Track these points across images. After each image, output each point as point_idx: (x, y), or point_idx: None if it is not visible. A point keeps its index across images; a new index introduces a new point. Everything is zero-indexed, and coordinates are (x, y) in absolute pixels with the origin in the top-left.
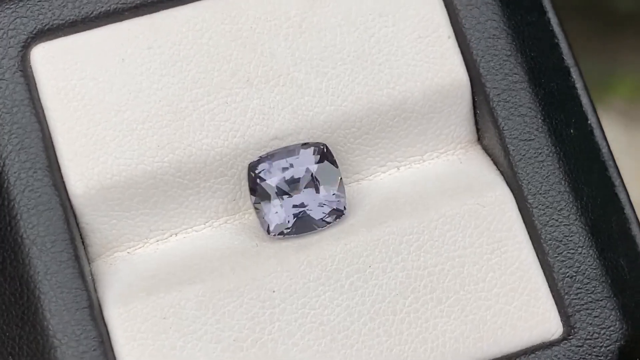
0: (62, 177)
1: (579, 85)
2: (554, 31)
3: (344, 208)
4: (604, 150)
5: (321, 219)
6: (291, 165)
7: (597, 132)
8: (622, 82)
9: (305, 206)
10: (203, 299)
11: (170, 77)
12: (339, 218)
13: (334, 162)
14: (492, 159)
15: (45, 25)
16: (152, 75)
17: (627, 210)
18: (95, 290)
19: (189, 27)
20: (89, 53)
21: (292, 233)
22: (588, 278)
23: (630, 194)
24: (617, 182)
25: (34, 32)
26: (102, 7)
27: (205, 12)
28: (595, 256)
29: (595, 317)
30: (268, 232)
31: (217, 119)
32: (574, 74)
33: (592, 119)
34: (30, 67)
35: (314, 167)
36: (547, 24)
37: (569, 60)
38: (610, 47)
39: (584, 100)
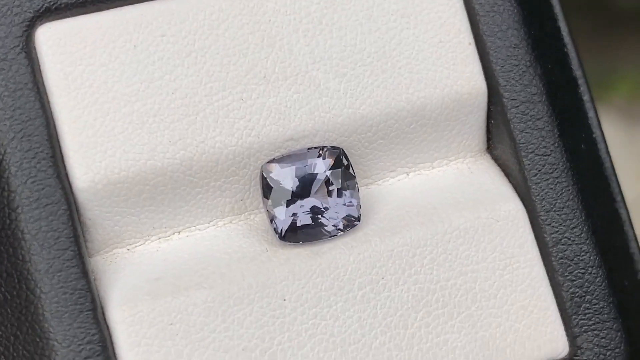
0: (66, 169)
1: (585, 97)
2: (564, 41)
3: (358, 216)
4: (607, 164)
5: (334, 225)
6: (306, 169)
7: (601, 145)
8: (623, 80)
9: (318, 212)
10: (212, 305)
11: (184, 68)
12: (353, 226)
13: (349, 168)
14: (503, 170)
15: (52, 4)
16: (165, 65)
17: (627, 228)
18: (97, 289)
19: (205, 15)
20: (98, 37)
21: (304, 239)
22: (597, 299)
23: (629, 192)
24: (618, 199)
25: (40, 11)
26: None
27: (222, 1)
28: (604, 276)
29: (602, 338)
30: (280, 237)
31: (232, 115)
32: (582, 86)
33: (596, 132)
34: (35, 49)
35: (328, 172)
36: (558, 35)
37: (577, 71)
38: (611, 45)
39: (591, 114)
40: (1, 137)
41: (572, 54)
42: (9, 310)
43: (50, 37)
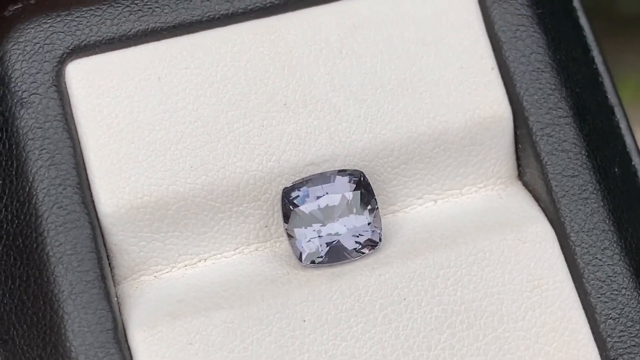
0: (91, 195)
1: (622, 125)
2: (597, 69)
3: (379, 239)
4: None
5: (355, 249)
6: (326, 192)
7: None
8: (625, 84)
9: (339, 235)
10: (231, 326)
11: (206, 98)
12: (374, 249)
13: (370, 191)
14: (533, 195)
15: (82, 42)
16: (188, 95)
17: None
18: (120, 312)
19: (227, 48)
20: (124, 71)
21: (325, 262)
22: (632, 321)
23: None
24: None
25: (70, 48)
26: (141, 25)
27: (244, 34)
28: (639, 298)
29: None
30: (300, 260)
31: (252, 142)
32: (618, 114)
33: (635, 160)
34: (65, 83)
35: (349, 195)
36: (592, 62)
37: (613, 99)
38: (614, 49)
39: (628, 140)
40: (30, 165)
41: (607, 82)
42: (35, 331)
43: (80, 73)
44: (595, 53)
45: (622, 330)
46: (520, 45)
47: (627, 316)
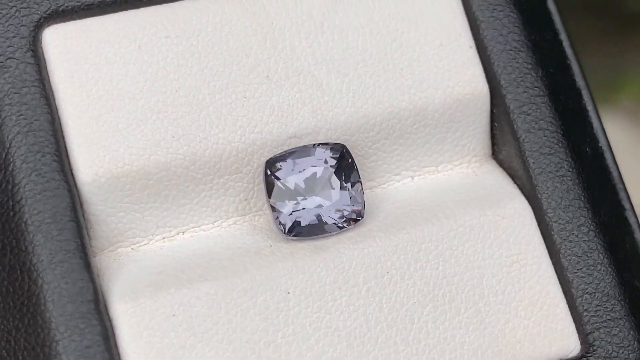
0: (70, 163)
1: (590, 107)
2: (565, 53)
3: (362, 212)
4: (614, 174)
5: (337, 223)
6: (309, 165)
7: (607, 154)
8: (630, 82)
9: (321, 208)
10: (215, 297)
11: (187, 67)
12: (356, 222)
13: (352, 164)
14: (508, 173)
15: (59, 6)
16: (169, 64)
17: (638, 235)
18: (100, 284)
19: (208, 19)
20: (103, 37)
21: (307, 235)
22: (607, 296)
23: (636, 195)
24: (627, 206)
25: (47, 12)
26: None
27: (225, 4)
28: (614, 274)
29: (614, 335)
30: (283, 232)
31: (235, 113)
32: (585, 97)
33: (602, 142)
34: (42, 48)
35: (331, 168)
36: (560, 45)
37: (580, 82)
38: (619, 47)
39: (595, 123)
40: (7, 131)
41: (575, 66)
42: (11, 302)
43: (57, 38)
44: (564, 37)
45: (597, 305)
46: (498, 24)
47: (603, 291)
